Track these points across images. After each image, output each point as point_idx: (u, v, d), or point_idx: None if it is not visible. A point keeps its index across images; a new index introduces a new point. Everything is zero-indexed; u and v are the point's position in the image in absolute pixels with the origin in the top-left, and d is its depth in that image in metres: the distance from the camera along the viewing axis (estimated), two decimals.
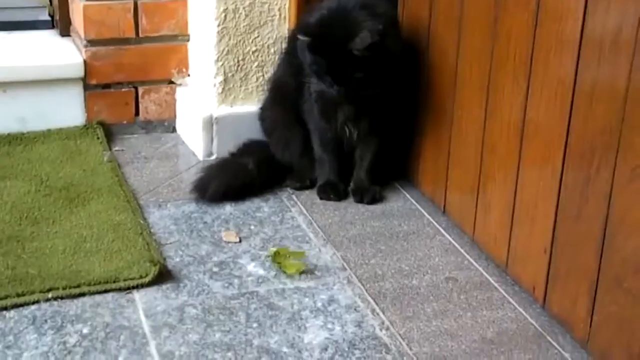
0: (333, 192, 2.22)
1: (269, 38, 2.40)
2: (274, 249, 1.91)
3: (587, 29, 1.55)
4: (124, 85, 2.55)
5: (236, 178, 2.23)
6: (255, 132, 2.35)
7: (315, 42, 2.01)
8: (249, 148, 2.33)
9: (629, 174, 1.48)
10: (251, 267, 1.89)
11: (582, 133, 1.59)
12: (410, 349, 1.64)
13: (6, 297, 1.71)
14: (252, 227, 2.07)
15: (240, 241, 2.00)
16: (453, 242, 2.04)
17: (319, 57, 2.02)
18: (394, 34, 2.08)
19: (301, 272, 1.86)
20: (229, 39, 2.37)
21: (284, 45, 2.35)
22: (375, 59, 1.99)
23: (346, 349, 1.63)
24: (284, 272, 1.86)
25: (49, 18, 2.74)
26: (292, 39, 2.27)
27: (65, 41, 2.64)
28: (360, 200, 2.21)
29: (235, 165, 2.28)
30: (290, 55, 2.23)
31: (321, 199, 2.22)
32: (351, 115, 2.17)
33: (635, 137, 1.46)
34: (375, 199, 2.21)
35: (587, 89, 1.57)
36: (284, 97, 2.26)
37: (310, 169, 2.28)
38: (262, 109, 2.36)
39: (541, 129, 1.72)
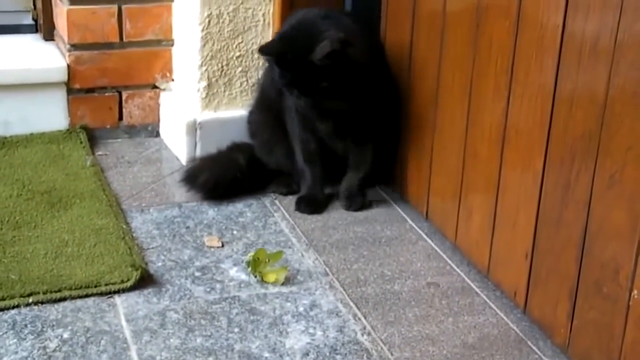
0: (310, 206, 2.20)
1: (253, 43, 2.40)
2: (251, 255, 1.89)
3: (567, 36, 1.57)
4: (108, 90, 2.55)
5: (227, 171, 2.24)
6: (238, 138, 2.35)
7: (279, 58, 2.02)
8: (238, 146, 2.34)
9: (608, 180, 1.49)
10: (233, 272, 1.89)
11: (562, 139, 1.60)
12: (392, 354, 1.65)
13: None
14: (235, 232, 2.07)
15: (222, 246, 2.00)
16: (435, 247, 2.04)
17: (284, 71, 2.02)
18: (359, 44, 2.04)
19: (282, 283, 1.85)
20: (213, 44, 2.37)
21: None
22: (338, 68, 1.97)
23: (327, 354, 1.63)
24: (264, 282, 1.86)
25: (32, 22, 2.73)
26: None
27: (49, 45, 2.64)
28: (347, 207, 2.21)
29: (226, 159, 2.28)
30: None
31: (296, 210, 2.19)
32: (331, 128, 2.17)
33: (614, 144, 1.47)
34: (361, 208, 2.22)
35: (567, 96, 1.58)
36: (268, 104, 2.27)
37: (296, 174, 2.28)
38: (250, 112, 2.37)
39: (522, 135, 1.73)
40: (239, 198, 2.23)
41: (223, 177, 2.23)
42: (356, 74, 2.02)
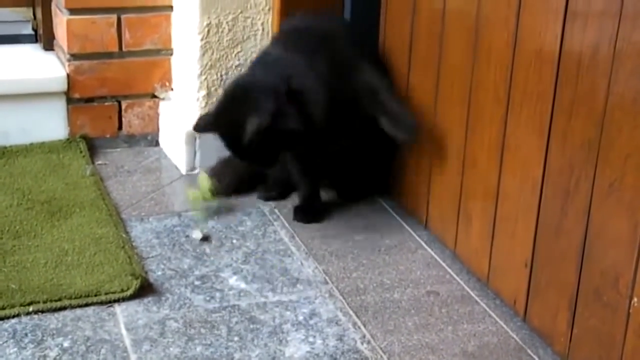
0: (308, 215, 2.20)
1: (251, 53, 2.41)
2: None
3: (566, 45, 1.57)
4: (107, 99, 2.55)
5: (246, 171, 2.28)
6: None
7: (216, 131, 2.03)
8: None
9: (607, 189, 1.49)
10: (233, 281, 1.89)
11: (561, 148, 1.61)
12: None
13: None
14: (235, 241, 2.07)
15: (205, 239, 2.04)
16: (434, 256, 2.05)
17: (220, 137, 2.02)
18: (292, 109, 1.94)
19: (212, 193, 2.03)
20: (212, 54, 2.38)
21: None
22: (271, 137, 1.92)
23: None
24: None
25: (32, 32, 2.74)
26: None
27: (49, 55, 2.64)
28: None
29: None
30: None
31: (294, 219, 2.20)
32: (308, 166, 2.20)
33: (613, 152, 1.47)
34: None
35: (566, 105, 1.58)
36: None
37: (280, 182, 2.29)
38: None
39: (521, 143, 1.73)
40: (239, 207, 2.23)
41: (244, 177, 2.29)
42: (294, 138, 1.97)
